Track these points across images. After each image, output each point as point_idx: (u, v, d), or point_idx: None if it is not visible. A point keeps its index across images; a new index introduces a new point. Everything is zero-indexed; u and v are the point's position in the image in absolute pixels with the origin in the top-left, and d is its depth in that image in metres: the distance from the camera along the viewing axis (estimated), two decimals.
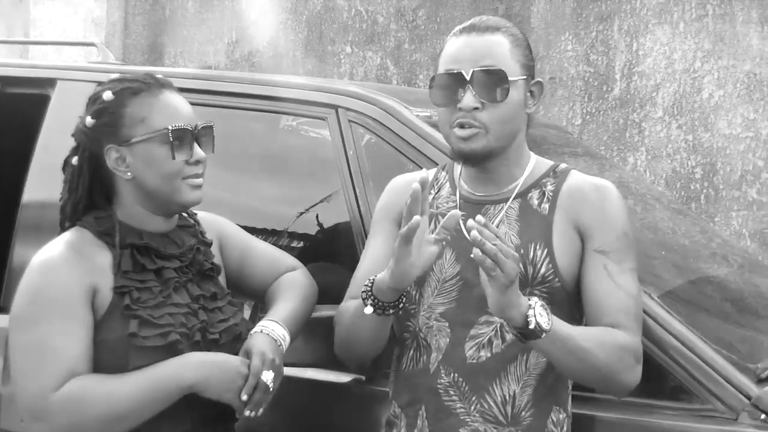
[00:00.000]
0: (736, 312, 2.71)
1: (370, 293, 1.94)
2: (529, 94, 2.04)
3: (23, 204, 2.87)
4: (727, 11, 5.07)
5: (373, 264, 2.09)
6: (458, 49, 2.00)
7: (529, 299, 1.81)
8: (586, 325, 2.00)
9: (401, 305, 1.96)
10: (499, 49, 1.99)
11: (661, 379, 2.16)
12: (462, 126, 1.98)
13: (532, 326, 1.79)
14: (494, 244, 1.74)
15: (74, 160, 2.06)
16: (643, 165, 5.28)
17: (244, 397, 1.91)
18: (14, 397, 2.52)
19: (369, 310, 1.94)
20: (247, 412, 1.92)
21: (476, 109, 1.96)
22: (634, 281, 2.00)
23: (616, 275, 1.97)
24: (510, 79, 1.97)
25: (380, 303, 1.93)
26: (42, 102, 3.00)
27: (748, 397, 2.08)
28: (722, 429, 2.06)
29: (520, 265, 1.97)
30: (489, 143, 1.98)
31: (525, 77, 2.01)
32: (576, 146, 3.41)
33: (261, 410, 1.94)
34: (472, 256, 1.76)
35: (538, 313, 1.80)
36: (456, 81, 1.97)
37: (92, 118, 2.01)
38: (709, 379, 2.11)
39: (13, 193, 2.97)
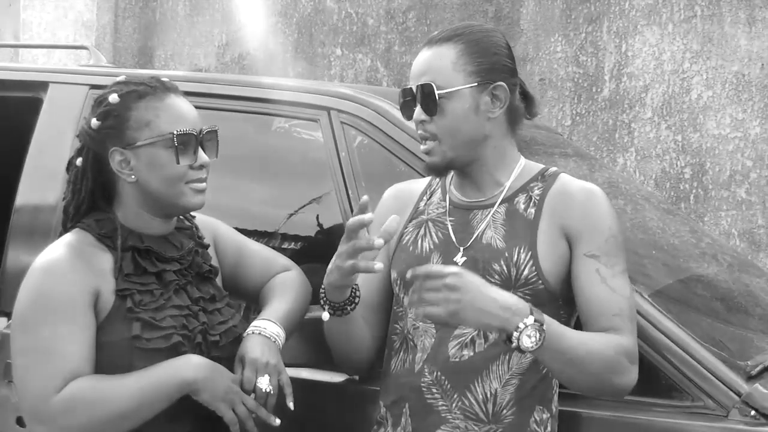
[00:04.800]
0: (726, 310, 2.73)
1: (324, 298, 2.04)
2: (491, 98, 2.05)
3: (16, 207, 2.87)
4: (715, 12, 5.10)
5: (365, 284, 2.16)
6: (413, 65, 2.10)
7: (525, 318, 1.80)
8: (581, 326, 2.02)
9: (355, 302, 2.04)
10: (440, 62, 2.05)
11: (652, 376, 2.17)
12: (422, 140, 2.08)
13: (513, 345, 1.82)
14: (416, 291, 1.80)
15: (78, 161, 2.06)
16: (632, 165, 5.31)
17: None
18: (9, 399, 2.53)
19: (326, 315, 2.05)
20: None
21: (424, 121, 2.05)
22: (626, 283, 2.02)
23: (609, 279, 1.98)
24: (442, 92, 2.02)
25: (334, 304, 2.03)
26: (34, 105, 3.00)
27: (739, 394, 2.10)
28: (713, 426, 2.07)
29: (504, 268, 2.00)
30: (446, 154, 2.05)
31: (475, 84, 2.04)
32: (566, 147, 3.42)
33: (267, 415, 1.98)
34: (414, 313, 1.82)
35: (526, 335, 1.80)
36: (408, 96, 2.08)
37: (98, 120, 2.02)
38: (699, 376, 2.13)
39: (6, 197, 2.97)
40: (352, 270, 1.95)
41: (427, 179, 2.22)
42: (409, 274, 1.81)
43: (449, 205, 2.13)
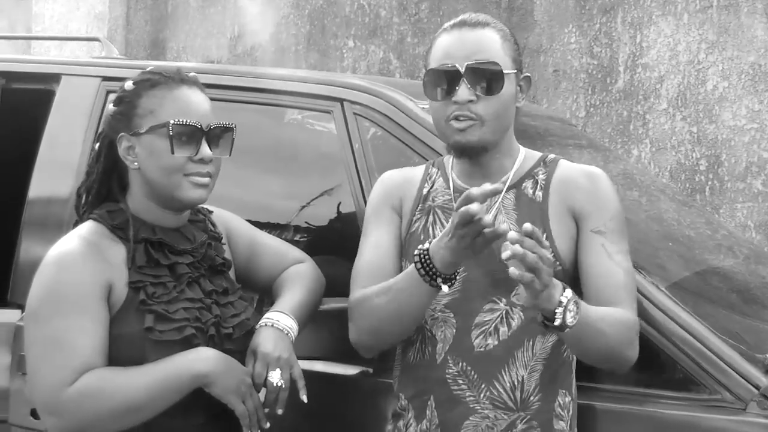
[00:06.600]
0: (743, 303, 2.72)
1: (437, 273, 1.89)
2: (518, 88, 2.08)
3: (29, 200, 2.88)
4: (731, 2, 5.06)
5: (377, 252, 2.10)
6: (450, 44, 2.04)
7: (562, 292, 1.78)
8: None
9: (459, 270, 1.94)
10: (491, 43, 2.03)
11: (669, 370, 2.16)
12: (458, 118, 2.01)
13: (557, 323, 1.78)
14: (534, 252, 1.70)
15: (97, 145, 2.09)
16: (647, 157, 5.28)
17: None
18: (23, 392, 2.54)
19: (446, 288, 1.91)
20: (267, 425, 1.98)
21: (471, 101, 1.99)
22: (628, 262, 2.04)
23: (614, 254, 2.01)
24: (507, 71, 2.02)
25: (447, 276, 1.90)
26: (46, 97, 3.00)
27: (757, 387, 2.09)
28: (731, 419, 2.06)
29: None
30: (484, 135, 2.02)
31: (515, 71, 2.06)
32: (580, 138, 3.41)
33: (281, 410, 1.98)
34: (509, 274, 1.70)
35: (568, 310, 1.78)
36: (450, 75, 2.01)
37: (113, 105, 2.05)
38: (717, 369, 2.12)
39: (18, 189, 2.97)
40: (484, 245, 1.85)
41: (422, 167, 2.20)
42: (529, 227, 1.70)
43: (455, 192, 2.11)
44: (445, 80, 2.01)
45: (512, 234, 1.71)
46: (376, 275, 2.06)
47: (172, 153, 1.97)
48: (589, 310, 1.87)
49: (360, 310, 2.04)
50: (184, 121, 1.97)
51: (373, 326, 2.03)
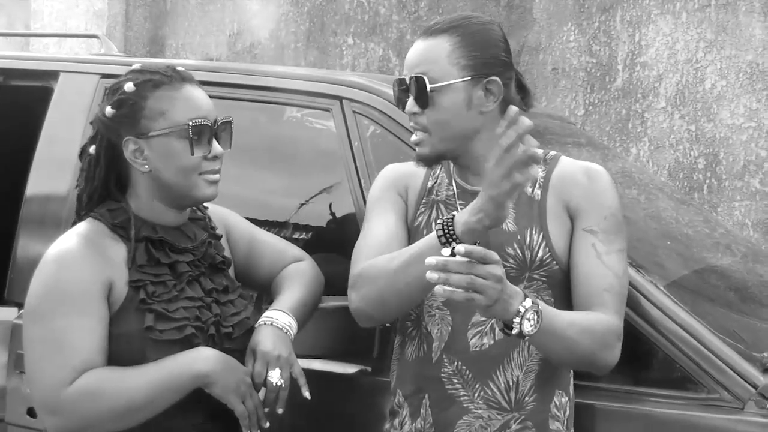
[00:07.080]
0: (741, 301, 2.72)
1: (454, 236, 1.84)
2: (484, 92, 2.03)
3: (27, 197, 2.87)
4: (729, 1, 5.06)
5: (385, 230, 2.08)
6: (408, 55, 2.08)
7: (522, 301, 1.78)
8: (572, 301, 2.02)
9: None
10: (434, 54, 2.03)
11: (667, 369, 2.16)
12: (413, 130, 2.06)
13: (514, 332, 1.78)
14: (468, 272, 1.68)
15: (92, 149, 2.05)
16: (645, 155, 5.28)
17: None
18: (20, 390, 2.53)
19: (447, 251, 1.77)
20: (267, 424, 1.97)
21: (415, 113, 2.04)
22: (621, 262, 2.02)
23: (604, 255, 1.99)
24: (434, 85, 2.00)
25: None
26: (45, 94, 3.00)
27: (755, 387, 2.09)
28: (729, 418, 2.06)
29: (518, 251, 2.00)
30: (435, 146, 2.04)
31: (468, 78, 2.01)
32: (579, 137, 3.41)
33: (281, 410, 1.97)
34: (434, 292, 1.70)
35: (526, 319, 1.78)
36: (402, 86, 2.06)
37: (112, 108, 1.99)
38: (715, 368, 2.12)
39: (16, 186, 2.97)
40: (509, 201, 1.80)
41: None
42: (462, 250, 1.68)
43: (457, 189, 2.12)
44: (400, 91, 2.07)
45: (431, 259, 1.70)
46: (384, 252, 2.01)
47: (192, 154, 1.96)
48: (557, 317, 1.86)
49: (368, 276, 1.98)
50: (200, 120, 1.97)
51: (379, 292, 1.97)
